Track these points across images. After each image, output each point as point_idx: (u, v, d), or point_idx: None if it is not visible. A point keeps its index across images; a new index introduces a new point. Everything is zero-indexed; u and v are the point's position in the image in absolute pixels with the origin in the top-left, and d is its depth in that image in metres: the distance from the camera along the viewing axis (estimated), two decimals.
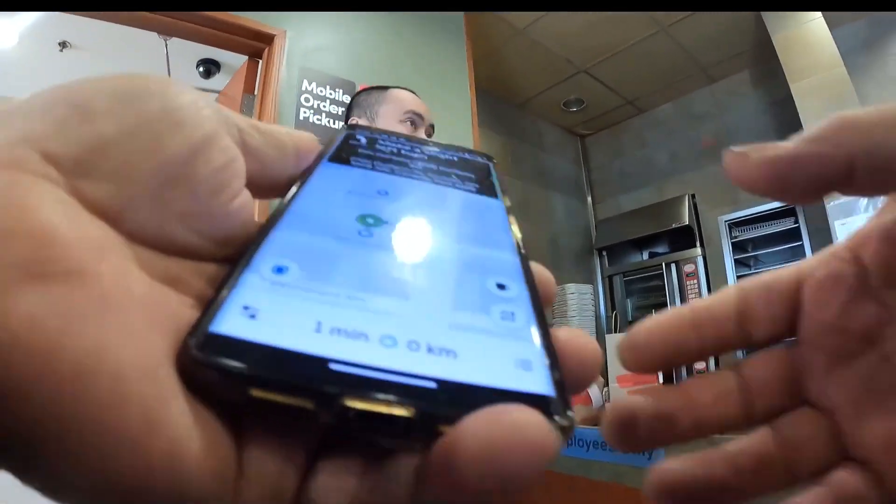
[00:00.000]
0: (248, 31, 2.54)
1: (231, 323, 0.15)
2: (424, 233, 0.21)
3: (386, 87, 1.68)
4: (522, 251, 0.21)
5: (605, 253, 5.12)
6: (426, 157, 0.27)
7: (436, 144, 0.29)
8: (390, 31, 3.00)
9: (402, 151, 0.27)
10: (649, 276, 4.80)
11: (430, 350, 0.16)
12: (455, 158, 0.28)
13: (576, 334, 0.18)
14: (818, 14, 3.49)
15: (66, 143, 0.15)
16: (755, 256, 4.48)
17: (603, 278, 5.08)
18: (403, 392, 0.14)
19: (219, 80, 3.87)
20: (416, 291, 0.18)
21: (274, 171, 0.21)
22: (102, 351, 0.13)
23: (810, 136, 0.21)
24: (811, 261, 0.24)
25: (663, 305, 4.63)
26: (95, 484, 0.13)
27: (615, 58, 4.23)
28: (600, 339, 4.55)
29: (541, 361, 0.16)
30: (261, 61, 2.61)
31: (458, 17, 3.39)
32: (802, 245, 4.09)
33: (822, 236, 3.88)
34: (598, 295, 5.06)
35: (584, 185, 5.43)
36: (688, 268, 4.53)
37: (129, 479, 0.13)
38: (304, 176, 0.22)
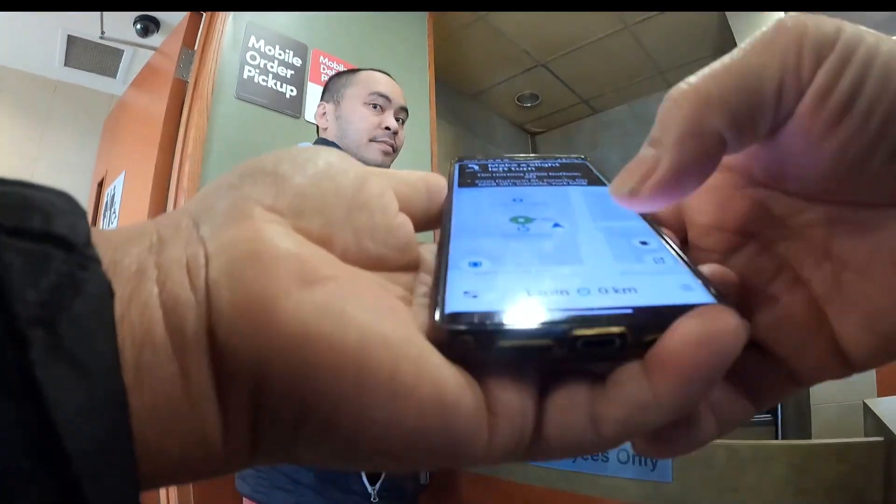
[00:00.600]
0: None
1: (461, 303, 0.19)
2: (568, 218, 0.25)
3: (357, 70, 1.61)
4: (647, 216, 0.25)
5: None
6: (535, 168, 0.32)
7: (535, 157, 0.34)
8: None
9: (513, 168, 0.32)
10: None
11: (616, 291, 0.20)
12: (557, 164, 0.32)
13: (712, 269, 0.22)
14: (782, 16, 3.44)
15: (276, 197, 0.20)
16: None
17: None
18: (612, 319, 0.18)
19: (158, 39, 3.50)
20: (585, 257, 0.22)
21: (411, 204, 0.25)
22: (372, 326, 0.17)
23: (671, 137, 0.22)
24: None
25: None
26: (384, 433, 0.17)
27: (575, 53, 4.10)
28: None
29: (697, 283, 0.20)
30: (204, 14, 2.30)
31: None
32: None
33: None
34: None
35: None
36: None
37: (411, 419, 0.17)
38: (447, 203, 0.26)
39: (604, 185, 0.29)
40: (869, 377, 2.93)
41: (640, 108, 4.88)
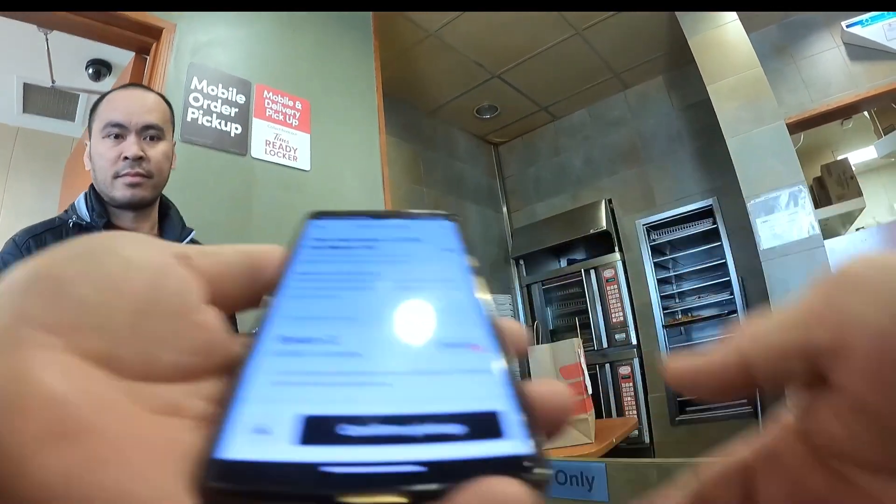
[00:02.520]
0: (134, 24, 2.24)
1: (240, 446, 0.16)
2: (398, 316, 0.23)
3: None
4: (489, 312, 0.23)
5: (521, 262, 5.03)
6: (389, 232, 0.28)
7: (395, 215, 0.30)
8: (292, 27, 2.76)
9: (362, 233, 0.28)
10: (568, 283, 4.75)
11: (413, 436, 0.17)
12: (417, 225, 0.29)
13: (547, 385, 0.20)
14: (734, 15, 3.53)
15: (55, 313, 0.18)
16: (674, 259, 4.50)
17: (521, 287, 4.99)
18: (390, 484, 0.16)
19: (109, 83, 3.53)
20: (398, 377, 0.19)
21: (226, 286, 0.22)
22: (128, 495, 0.15)
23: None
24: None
25: (584, 312, 4.59)
26: None
27: (528, 62, 4.14)
28: None
29: (517, 423, 0.18)
30: (148, 57, 2.33)
31: (367, 16, 3.19)
32: (721, 245, 4.12)
33: (743, 235, 3.91)
34: (516, 305, 4.96)
35: (499, 193, 5.33)
36: (607, 273, 4.50)
37: None
38: (280, 281, 0.23)
39: (459, 261, 0.26)
40: None
41: (599, 110, 4.92)
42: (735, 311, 4.00)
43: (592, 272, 4.57)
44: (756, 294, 3.93)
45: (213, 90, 2.36)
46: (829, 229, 4.16)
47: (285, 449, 0.16)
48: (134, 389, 0.17)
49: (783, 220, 3.26)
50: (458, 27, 3.60)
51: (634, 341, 4.33)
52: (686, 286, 4.41)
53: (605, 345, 4.43)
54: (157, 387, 0.18)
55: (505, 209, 5.29)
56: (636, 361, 4.28)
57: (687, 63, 4.24)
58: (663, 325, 4.28)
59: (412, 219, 0.29)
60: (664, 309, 4.34)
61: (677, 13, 3.70)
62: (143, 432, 0.16)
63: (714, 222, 4.21)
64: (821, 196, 4.35)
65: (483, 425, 0.17)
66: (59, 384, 0.16)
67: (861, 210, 4.66)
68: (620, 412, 4.21)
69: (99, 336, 0.18)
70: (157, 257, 0.20)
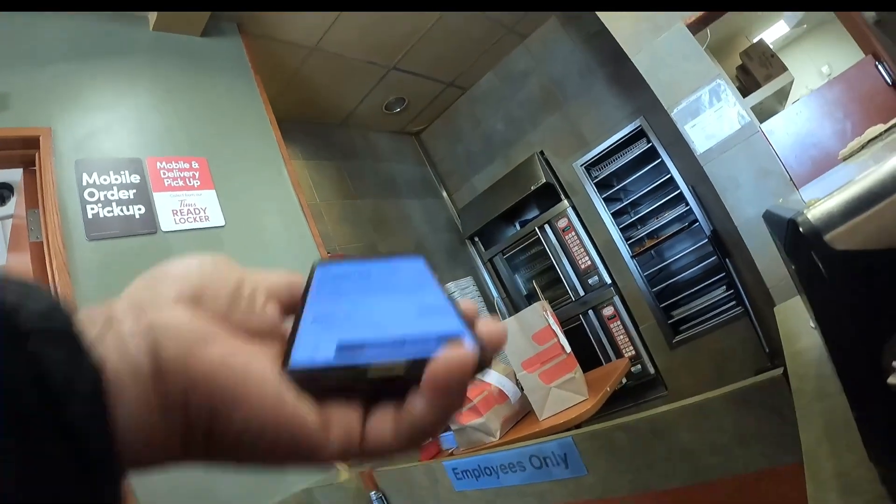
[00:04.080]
0: (9, 141, 2.11)
1: (300, 355, 0.29)
2: (388, 297, 0.36)
3: None
4: (447, 293, 0.36)
5: (476, 238, 4.96)
6: (376, 264, 0.40)
7: (378, 258, 0.41)
8: (167, 91, 2.61)
9: (357, 266, 0.40)
10: (528, 244, 4.69)
11: (405, 343, 0.30)
12: (396, 261, 0.40)
13: (487, 325, 0.32)
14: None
15: (181, 292, 0.30)
16: (623, 188, 4.46)
17: (484, 264, 4.93)
18: (395, 363, 0.29)
19: (14, 203, 3.34)
20: (392, 323, 0.33)
21: (277, 295, 0.34)
22: (251, 369, 0.28)
23: None
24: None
25: (551, 269, 4.55)
26: (258, 434, 0.27)
27: (419, 45, 4.03)
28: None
29: (468, 337, 0.30)
30: (35, 168, 2.17)
31: (241, 54, 3.04)
32: (663, 161, 4.10)
33: (680, 145, 3.89)
34: (484, 282, 4.90)
35: (434, 179, 5.24)
36: (561, 223, 4.46)
37: (273, 429, 0.27)
38: (304, 291, 0.35)
39: (426, 272, 0.39)
40: None
41: (505, 69, 4.84)
42: (696, 220, 3.99)
43: (547, 227, 4.52)
44: (710, 196, 3.92)
45: (105, 179, 2.21)
46: (767, 110, 4.16)
47: (334, 355, 0.29)
48: (240, 340, 0.30)
49: (711, 118, 3.23)
50: (336, 33, 3.47)
51: (608, 280, 4.31)
52: (642, 210, 4.39)
53: (581, 293, 4.40)
54: (248, 340, 0.30)
55: (444, 193, 5.21)
56: (616, 299, 4.26)
57: None
58: (631, 256, 4.26)
59: (392, 259, 0.40)
60: (628, 239, 4.33)
61: None
62: (251, 348, 0.29)
63: (648, 141, 4.19)
64: (748, 83, 4.35)
65: (451, 337, 0.30)
66: (190, 320, 0.29)
67: (791, 83, 4.66)
68: (618, 353, 4.20)
69: (211, 306, 0.30)
70: (237, 272, 0.33)
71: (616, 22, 3.44)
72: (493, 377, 2.32)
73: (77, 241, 2.06)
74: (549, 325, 2.13)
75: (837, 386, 0.75)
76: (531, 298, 4.75)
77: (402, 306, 0.34)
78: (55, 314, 0.24)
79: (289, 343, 0.30)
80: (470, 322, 0.32)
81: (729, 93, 3.19)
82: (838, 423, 0.65)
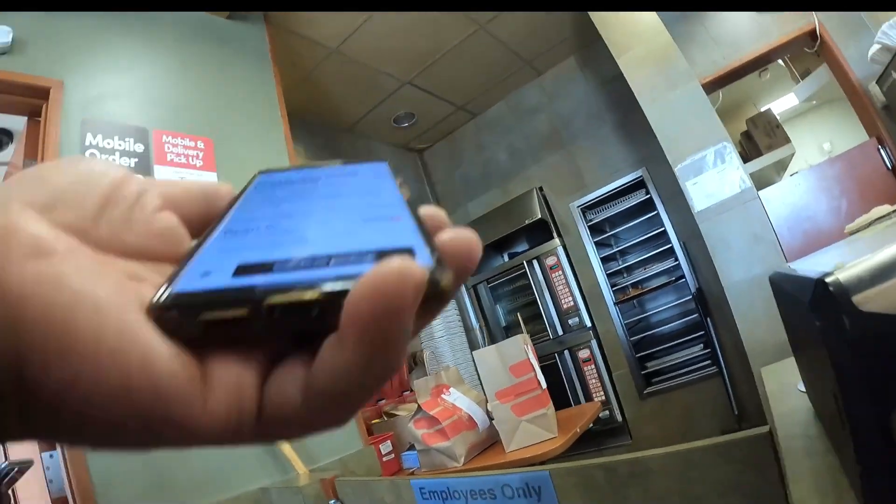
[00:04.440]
0: (20, 87, 2.08)
1: (188, 283, 0.20)
2: (331, 209, 0.27)
3: None
4: (405, 198, 0.28)
5: None
6: (329, 172, 0.33)
7: (337, 163, 0.34)
8: (184, 67, 2.60)
9: (307, 174, 0.32)
10: (514, 277, 4.70)
11: (335, 262, 0.21)
12: (355, 168, 0.33)
13: (453, 232, 0.23)
14: None
15: (35, 195, 0.22)
16: (614, 235, 4.50)
17: (467, 289, 4.91)
18: (309, 285, 0.19)
19: (11, 151, 3.30)
20: (324, 237, 0.24)
21: (184, 206, 0.27)
22: (85, 293, 0.19)
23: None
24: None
25: (533, 304, 4.55)
26: (90, 391, 0.18)
27: (437, 64, 4.07)
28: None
29: (418, 237, 0.23)
30: (40, 119, 2.15)
31: (262, 43, 3.05)
32: (658, 214, 4.14)
33: (677, 199, 3.95)
34: (465, 308, 4.89)
35: (429, 199, 5.25)
36: (550, 260, 4.48)
37: (115, 378, 0.18)
38: (229, 205, 0.28)
39: (385, 177, 0.32)
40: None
41: (516, 100, 4.89)
42: (683, 276, 4.02)
43: (535, 262, 4.54)
44: (700, 255, 3.96)
45: (109, 143, 2.19)
46: (765, 179, 4.24)
47: (224, 280, 0.20)
48: (100, 257, 0.22)
49: (713, 178, 3.27)
50: (359, 40, 3.50)
51: (588, 323, 4.32)
52: (631, 259, 4.43)
53: (560, 332, 4.40)
54: (122, 261, 0.22)
55: None
56: (594, 343, 4.27)
57: (595, 40, 4.25)
58: (615, 302, 4.28)
59: (348, 164, 0.34)
60: (613, 286, 4.35)
61: None
62: (106, 268, 0.21)
63: (647, 192, 4.23)
64: (750, 149, 4.44)
65: (397, 251, 0.21)
66: (35, 229, 0.20)
67: (792, 155, 4.76)
68: (588, 396, 4.19)
69: (70, 213, 0.22)
70: (120, 172, 0.25)
71: (634, 71, 3.49)
72: (465, 403, 2.31)
73: None
74: (529, 358, 2.13)
75: (826, 445, 0.76)
76: (509, 330, 4.75)
77: (343, 216, 0.26)
78: None
79: (178, 266, 0.22)
80: (430, 232, 0.23)
81: (734, 156, 3.24)
82: (828, 479, 0.66)
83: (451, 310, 4.26)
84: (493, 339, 4.63)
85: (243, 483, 2.01)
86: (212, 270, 0.21)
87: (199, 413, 0.19)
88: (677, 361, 4.06)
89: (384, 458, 2.50)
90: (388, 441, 2.56)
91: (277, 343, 0.21)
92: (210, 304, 0.19)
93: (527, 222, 4.54)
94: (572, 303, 4.37)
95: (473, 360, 4.46)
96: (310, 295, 0.19)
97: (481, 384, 2.18)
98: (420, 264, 0.19)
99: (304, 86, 3.68)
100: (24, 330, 0.18)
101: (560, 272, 4.43)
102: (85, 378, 0.18)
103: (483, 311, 4.83)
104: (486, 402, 2.25)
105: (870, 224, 1.51)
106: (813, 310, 0.45)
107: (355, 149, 4.57)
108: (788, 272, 0.69)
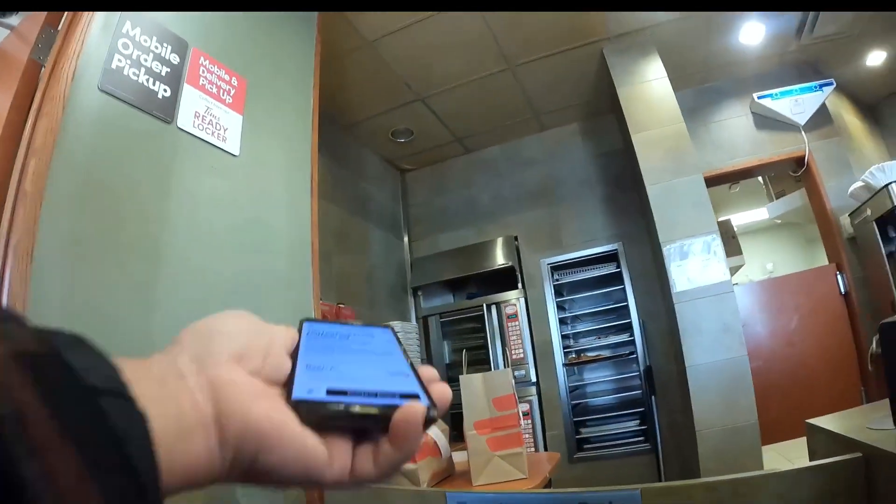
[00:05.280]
0: None
1: (301, 392, 0.38)
2: (364, 354, 0.47)
3: None
4: (409, 359, 0.47)
5: (420, 292, 4.89)
6: (353, 329, 0.53)
7: (358, 324, 0.54)
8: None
9: (339, 328, 0.52)
10: (469, 317, 4.66)
11: (380, 393, 0.39)
12: (369, 329, 0.54)
13: (437, 387, 0.42)
14: (663, 72, 3.73)
15: (230, 351, 0.39)
16: (572, 299, 4.56)
17: (418, 319, 4.84)
18: (372, 406, 0.38)
19: (16, 18, 3.02)
20: (370, 375, 0.43)
21: (287, 348, 0.44)
22: (279, 417, 0.36)
23: None
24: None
25: (482, 348, 4.51)
26: (282, 463, 0.35)
27: (455, 90, 4.10)
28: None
29: (424, 396, 0.40)
30: None
31: (313, 12, 2.98)
32: (624, 288, 4.23)
33: (646, 280, 4.07)
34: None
35: (402, 220, 5.18)
36: (509, 309, 4.47)
37: (296, 465, 0.35)
38: (297, 343, 0.45)
39: (393, 339, 0.52)
40: (748, 402, 3.14)
41: (513, 149, 4.98)
42: (634, 353, 4.09)
43: (494, 307, 4.53)
44: (655, 336, 4.06)
45: (146, 40, 2.02)
46: None
47: (322, 395, 0.38)
48: (268, 390, 0.39)
49: (697, 265, 3.39)
50: (397, 41, 3.49)
51: (534, 378, 4.31)
52: (588, 326, 4.48)
53: None
54: (273, 388, 0.39)
55: (406, 237, 5.14)
56: (535, 399, 4.26)
57: (604, 114, 4.44)
58: (564, 363, 4.29)
59: (366, 327, 0.53)
60: (565, 347, 4.39)
61: (611, 66, 3.84)
62: (275, 398, 0.38)
63: (618, 266, 4.33)
64: None
65: (411, 395, 0.39)
66: (244, 378, 0.38)
67: (739, 267, 5.04)
68: None
69: (251, 363, 0.40)
70: (267, 330, 0.44)
71: (646, 150, 3.63)
72: (433, 430, 2.24)
73: (86, 82, 1.77)
74: (514, 394, 2.09)
75: None
76: (451, 368, 4.68)
77: (375, 365, 0.45)
78: (114, 375, 0.30)
79: (288, 382, 0.39)
80: (426, 383, 0.42)
81: (720, 249, 3.37)
82: None
83: (412, 332, 4.16)
84: (464, 370, 4.54)
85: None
86: (312, 388, 0.38)
87: (326, 476, 0.36)
88: (612, 433, 4.11)
89: None
90: None
91: (353, 433, 0.38)
92: (323, 408, 0.37)
93: (495, 267, 4.54)
94: (522, 355, 4.36)
95: None
96: (373, 411, 0.37)
97: (464, 410, 2.12)
98: (423, 405, 0.38)
99: (327, 68, 3.59)
100: (262, 440, 0.35)
101: (517, 322, 4.43)
102: (286, 462, 0.35)
103: (428, 343, 4.74)
104: (448, 431, 2.20)
105: None
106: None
107: (347, 149, 4.47)
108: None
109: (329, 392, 0.38)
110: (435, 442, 2.20)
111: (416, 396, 0.39)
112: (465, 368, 4.28)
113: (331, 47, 3.43)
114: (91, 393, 0.28)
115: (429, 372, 0.44)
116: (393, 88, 4.01)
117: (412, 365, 0.46)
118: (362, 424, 0.38)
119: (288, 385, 0.39)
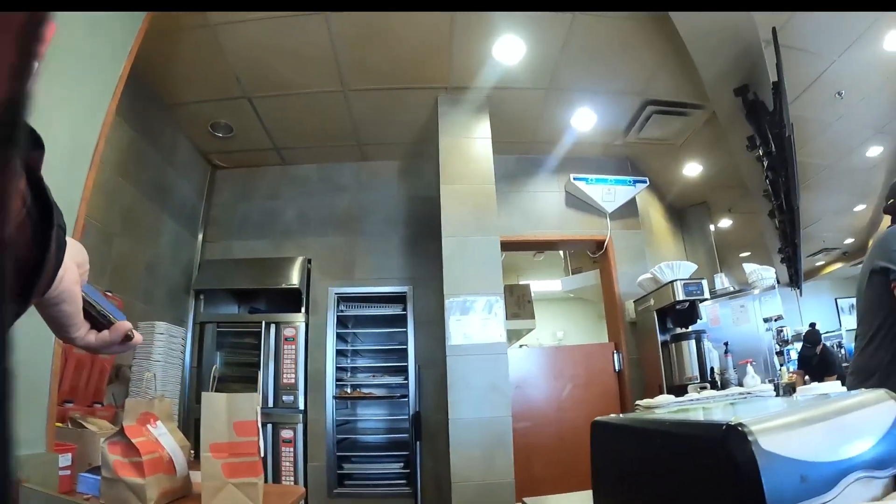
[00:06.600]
0: None
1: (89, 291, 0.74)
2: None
3: None
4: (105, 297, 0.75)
5: (202, 296, 4.59)
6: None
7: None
8: None
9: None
10: (246, 332, 4.45)
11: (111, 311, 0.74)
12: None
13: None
14: (488, 133, 3.96)
15: (77, 259, 0.67)
16: (354, 333, 4.58)
17: (195, 324, 4.52)
18: (106, 311, 0.74)
19: None
20: (108, 305, 0.73)
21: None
22: (79, 292, 0.67)
23: None
24: None
25: (254, 366, 4.33)
26: (68, 314, 0.66)
27: (285, 98, 4.00)
28: (183, 389, 3.97)
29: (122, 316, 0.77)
30: None
31: None
32: (407, 332, 4.34)
33: (428, 327, 4.21)
34: (187, 341, 4.46)
35: (200, 218, 4.86)
36: (288, 332, 4.36)
37: (72, 314, 0.67)
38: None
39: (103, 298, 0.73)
40: (506, 462, 3.34)
41: (328, 172, 4.93)
42: (406, 396, 4.19)
43: (273, 327, 4.39)
44: (429, 383, 4.20)
45: None
46: None
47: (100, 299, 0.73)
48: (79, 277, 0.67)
49: (475, 322, 3.58)
50: (239, 31, 3.33)
51: (302, 406, 4.21)
52: (364, 362, 4.51)
53: (270, 404, 4.23)
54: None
55: (201, 236, 4.82)
56: (300, 427, 4.16)
57: (426, 159, 4.59)
58: (334, 396, 4.26)
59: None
60: (338, 380, 4.36)
61: (440, 114, 4.00)
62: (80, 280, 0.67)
63: (405, 309, 4.45)
64: None
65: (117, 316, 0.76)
66: (77, 272, 0.66)
67: (530, 330, 5.44)
68: (277, 478, 3.98)
69: (82, 268, 0.67)
70: (83, 249, 0.70)
71: (450, 202, 3.81)
72: (169, 442, 2.04)
73: None
74: (257, 421, 2.01)
75: None
76: (221, 382, 4.41)
77: (107, 302, 0.71)
78: (64, 225, 0.56)
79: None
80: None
81: (501, 311, 3.61)
82: None
83: (177, 337, 3.85)
84: (199, 382, 4.25)
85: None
86: (89, 293, 0.69)
87: (77, 333, 0.67)
88: (375, 472, 4.14)
89: (60, 472, 2.08)
90: (70, 454, 2.15)
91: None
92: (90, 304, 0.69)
93: (283, 286, 4.42)
94: (293, 380, 4.25)
95: (182, 398, 4.00)
96: (106, 316, 0.71)
97: (202, 428, 1.99)
98: (129, 324, 0.74)
99: (161, 40, 3.30)
100: (69, 295, 0.64)
101: (294, 346, 4.33)
102: (70, 311, 0.65)
103: (201, 353, 4.44)
104: (191, 449, 2.05)
105: (649, 408, 1.87)
106: (720, 447, 0.59)
107: (164, 129, 4.11)
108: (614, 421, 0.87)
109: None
110: (171, 457, 2.01)
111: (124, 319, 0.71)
112: (212, 385, 4.10)
113: (172, 17, 3.19)
114: (60, 226, 0.55)
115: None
116: (223, 79, 3.80)
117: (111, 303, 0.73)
118: (102, 321, 0.69)
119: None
